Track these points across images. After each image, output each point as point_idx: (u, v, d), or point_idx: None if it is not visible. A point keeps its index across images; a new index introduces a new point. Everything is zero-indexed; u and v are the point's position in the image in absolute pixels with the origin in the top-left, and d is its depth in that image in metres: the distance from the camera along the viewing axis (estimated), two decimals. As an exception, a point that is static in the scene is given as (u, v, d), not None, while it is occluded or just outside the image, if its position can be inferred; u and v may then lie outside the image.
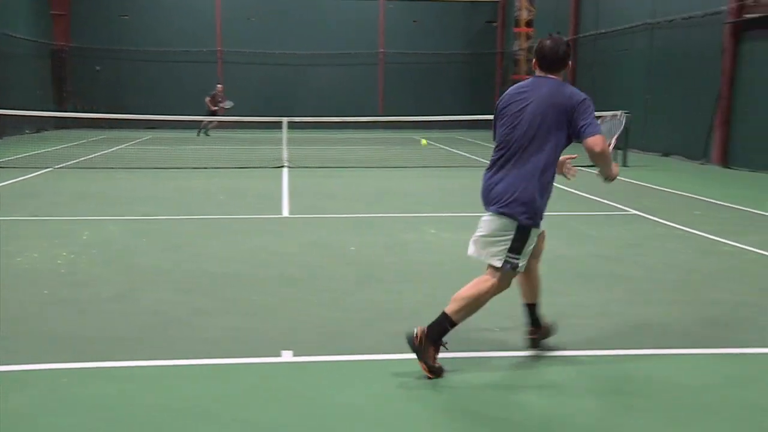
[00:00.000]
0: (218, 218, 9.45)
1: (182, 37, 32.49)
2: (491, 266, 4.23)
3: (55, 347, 4.55)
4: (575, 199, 11.32)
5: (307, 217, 9.57)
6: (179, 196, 11.41)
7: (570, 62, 4.32)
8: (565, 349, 4.59)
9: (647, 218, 9.54)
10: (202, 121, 25.51)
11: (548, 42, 4.26)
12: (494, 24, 34.71)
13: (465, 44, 34.75)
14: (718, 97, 16.73)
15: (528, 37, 32.08)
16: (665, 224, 9.07)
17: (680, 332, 4.95)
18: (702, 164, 17.07)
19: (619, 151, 16.59)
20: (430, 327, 4.11)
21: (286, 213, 9.93)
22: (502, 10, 34.34)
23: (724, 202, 10.98)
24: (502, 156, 4.24)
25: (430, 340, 4.08)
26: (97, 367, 4.25)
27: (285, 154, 16.30)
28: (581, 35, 25.13)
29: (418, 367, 4.15)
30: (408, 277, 6.44)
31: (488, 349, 4.61)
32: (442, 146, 22.97)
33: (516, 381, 4.16)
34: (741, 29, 16.30)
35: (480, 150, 21.48)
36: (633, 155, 17.30)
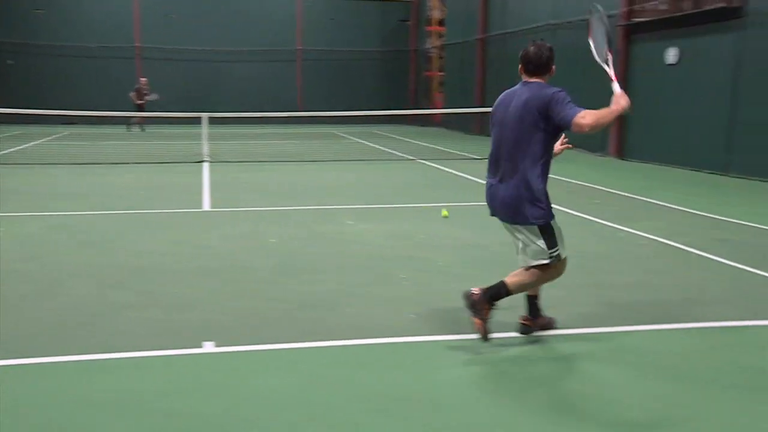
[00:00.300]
0: (138, 213, 9.21)
1: (99, 32, 31.39)
2: (541, 265, 4.35)
3: (-29, 345, 4.36)
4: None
5: (228, 211, 9.44)
6: (99, 191, 11.05)
7: (553, 66, 4.49)
8: (474, 333, 4.68)
9: (555, 208, 9.79)
10: (130, 117, 24.81)
11: (532, 48, 4.48)
12: (408, 22, 34.93)
13: (380, 42, 34.85)
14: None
15: (440, 35, 32.43)
16: (567, 212, 9.35)
17: (581, 313, 5.12)
18: (600, 156, 17.67)
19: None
20: (487, 288, 4.32)
21: (206, 207, 9.76)
22: (415, 9, 34.58)
23: (619, 191, 11.41)
24: (495, 162, 4.44)
25: (486, 297, 4.28)
26: (15, 364, 4.09)
27: (205, 149, 16.00)
28: (489, 34, 25.58)
29: (338, 356, 4.17)
30: (327, 267, 6.44)
31: (401, 334, 4.66)
32: (358, 140, 23.00)
33: (434, 367, 4.21)
34: (631, 32, 16.94)
35: (395, 143, 21.63)
36: (538, 148, 17.72)
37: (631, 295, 5.59)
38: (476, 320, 4.29)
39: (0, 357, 4.17)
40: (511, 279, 4.38)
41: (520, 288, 4.39)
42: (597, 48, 4.68)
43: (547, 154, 4.32)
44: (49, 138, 22.12)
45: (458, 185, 12.22)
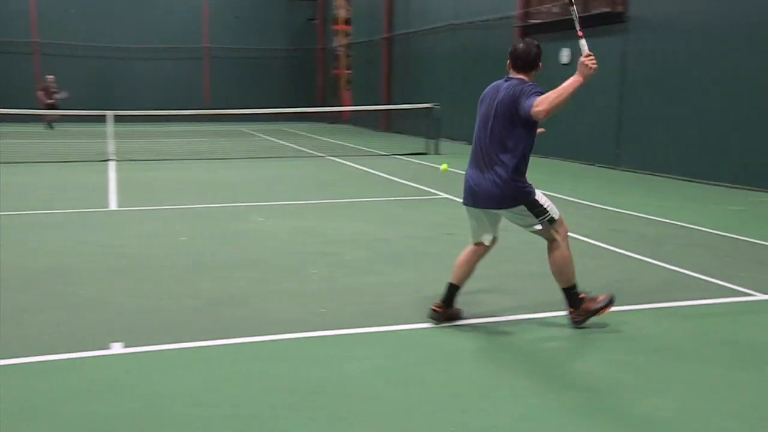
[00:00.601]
0: (41, 213, 8.81)
1: (-5, 27, 29.77)
2: (540, 230, 4.55)
3: None
4: (393, 185, 11.65)
5: (136, 210, 9.16)
6: (-2, 191, 10.51)
7: (540, 64, 4.54)
8: (385, 324, 4.73)
9: (457, 201, 9.99)
10: (45, 115, 23.69)
11: (521, 45, 4.54)
12: (315, 21, 34.75)
13: (288, 40, 34.54)
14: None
15: (346, 34, 32.43)
16: (471, 206, 9.54)
17: (483, 302, 5.24)
18: (502, 151, 18.07)
19: (432, 141, 17.28)
20: (573, 306, 4.60)
21: (113, 206, 9.44)
22: (322, 8, 34.45)
23: (520, 184, 11.72)
24: (476, 153, 4.54)
25: (577, 306, 4.58)
26: None
27: (111, 148, 15.45)
28: (394, 34, 25.78)
29: (250, 352, 4.13)
30: (239, 263, 6.35)
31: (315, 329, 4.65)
32: (268, 137, 22.75)
33: (343, 359, 4.22)
34: (527, 33, 17.44)
35: (304, 141, 21.51)
36: (444, 144, 18.03)
37: (535, 284, 5.77)
38: (605, 312, 4.60)
39: None
40: (560, 281, 4.61)
41: (567, 275, 4.58)
42: None
43: (524, 147, 4.42)
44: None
45: (367, 181, 12.28)
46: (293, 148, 19.01)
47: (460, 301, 4.80)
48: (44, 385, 3.72)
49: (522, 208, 4.48)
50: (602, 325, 4.67)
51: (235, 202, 9.76)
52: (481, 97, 4.67)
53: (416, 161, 15.56)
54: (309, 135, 23.90)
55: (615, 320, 4.76)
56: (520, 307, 5.09)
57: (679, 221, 8.49)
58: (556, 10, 16.95)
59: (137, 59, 31.85)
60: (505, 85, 4.48)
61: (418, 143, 18.60)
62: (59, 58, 30.59)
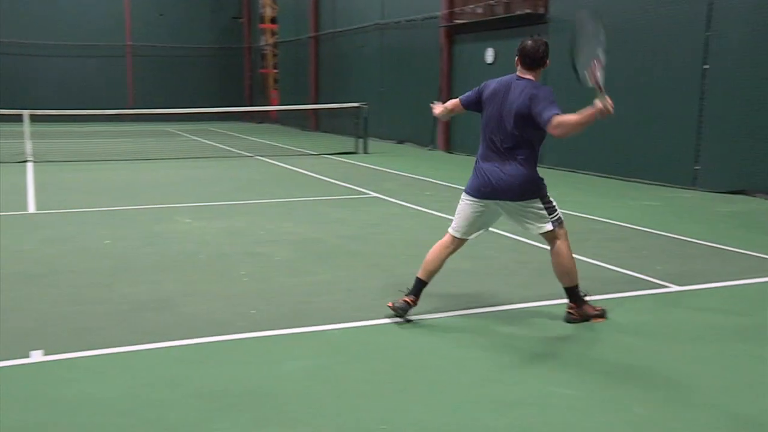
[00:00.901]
0: (-47, 218, 8.38)
1: None
2: (547, 232, 4.61)
3: None
4: (322, 185, 11.59)
5: (56, 213, 8.82)
6: None
7: (548, 61, 4.57)
8: (317, 324, 4.69)
9: (386, 200, 10.03)
10: None
11: (529, 42, 4.54)
12: (241, 20, 34.29)
13: (214, 38, 33.98)
14: (439, 91, 17.99)
15: (273, 33, 32.12)
16: (401, 204, 9.60)
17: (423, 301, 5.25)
18: (430, 150, 18.29)
19: (360, 140, 17.29)
20: (574, 301, 4.71)
21: (32, 209, 9.06)
22: (247, 7, 34.02)
23: (449, 183, 11.86)
24: (490, 148, 4.58)
25: (580, 305, 4.71)
26: None
27: (29, 148, 14.85)
28: (321, 33, 25.67)
29: (177, 355, 4.03)
30: (165, 266, 6.19)
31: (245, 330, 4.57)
32: (194, 137, 22.31)
33: (273, 360, 4.16)
34: (453, 32, 17.66)
35: (232, 141, 21.19)
36: (372, 143, 18.07)
37: (461, 280, 5.82)
38: (600, 319, 4.74)
39: None
40: (563, 282, 4.69)
41: (571, 276, 4.67)
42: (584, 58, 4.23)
43: (538, 142, 4.55)
44: None
45: (296, 181, 12.18)
46: (221, 148, 18.69)
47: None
48: (-43, 398, 3.52)
49: (537, 202, 4.57)
50: (531, 319, 4.76)
51: (161, 204, 9.52)
52: (488, 90, 4.63)
53: (345, 160, 15.54)
54: (237, 135, 23.56)
55: (542, 311, 4.86)
56: (454, 305, 5.13)
57: (599, 217, 8.74)
58: (480, 10, 17.22)
59: (55, 56, 30.73)
60: (519, 86, 4.50)
61: (346, 142, 18.58)
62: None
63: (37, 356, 4.05)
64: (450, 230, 4.81)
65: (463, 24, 17.26)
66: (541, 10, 14.47)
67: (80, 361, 4.03)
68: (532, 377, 3.84)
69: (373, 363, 4.04)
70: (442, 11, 17.71)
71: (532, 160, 4.55)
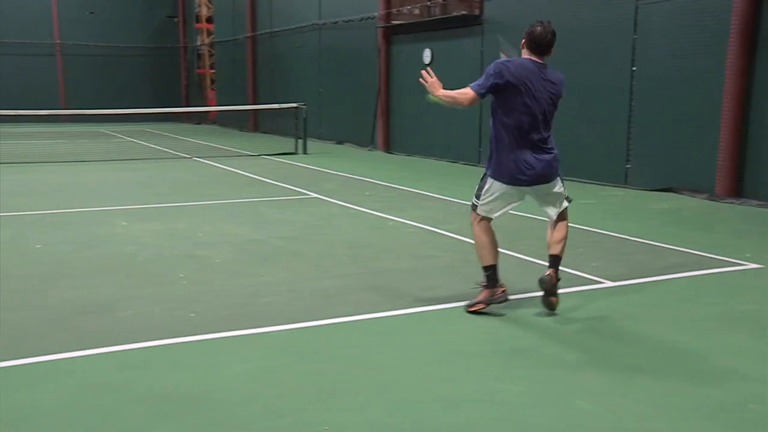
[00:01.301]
0: None
1: None
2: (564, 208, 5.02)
3: None
4: (262, 186, 11.50)
5: (-16, 217, 8.49)
6: None
7: (552, 49, 4.74)
8: (259, 326, 4.65)
9: (326, 200, 10.01)
10: None
11: (538, 28, 4.67)
12: (175, 19, 33.67)
13: (147, 38, 33.27)
14: (378, 91, 18.06)
15: (209, 33, 31.66)
16: (341, 205, 9.59)
17: (359, 301, 5.27)
18: (370, 150, 18.33)
19: (300, 141, 17.20)
20: (554, 268, 4.90)
21: (-42, 213, 8.71)
22: (182, 5, 33.43)
23: (388, 183, 11.92)
24: (520, 136, 4.70)
25: (556, 275, 4.92)
26: None
27: (-47, 150, 14.26)
28: (258, 33, 25.43)
29: (115, 361, 3.94)
30: (102, 270, 6.03)
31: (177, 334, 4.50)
32: (130, 138, 21.81)
33: (215, 364, 4.11)
34: (391, 33, 17.76)
35: (169, 142, 20.80)
36: (311, 143, 18.00)
37: (403, 279, 5.87)
38: (555, 299, 4.89)
39: None
40: (557, 245, 4.96)
41: (564, 247, 5.01)
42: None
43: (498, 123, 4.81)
44: None
45: (236, 182, 12.05)
46: (158, 149, 18.33)
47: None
48: None
49: (559, 180, 4.91)
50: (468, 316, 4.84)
51: (96, 206, 9.28)
52: (521, 76, 4.62)
53: (285, 161, 15.45)
54: (174, 136, 23.13)
55: (485, 309, 4.94)
56: (398, 304, 5.16)
57: (535, 215, 8.92)
58: (417, 11, 17.36)
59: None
60: (547, 71, 4.72)
61: (286, 143, 18.47)
62: None
63: (-28, 365, 3.91)
64: (484, 213, 4.93)
65: (401, 25, 17.37)
66: (477, 12, 14.69)
67: (16, 369, 3.90)
68: (479, 374, 3.90)
69: (318, 364, 4.03)
70: (379, 12, 17.78)
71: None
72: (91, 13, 31.58)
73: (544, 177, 4.79)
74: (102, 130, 25.53)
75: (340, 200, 9.94)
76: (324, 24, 20.66)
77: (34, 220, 8.36)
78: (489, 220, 4.96)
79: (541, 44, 4.68)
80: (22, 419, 3.31)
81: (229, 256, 6.59)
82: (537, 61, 4.71)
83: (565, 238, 5.01)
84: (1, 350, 4.16)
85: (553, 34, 4.70)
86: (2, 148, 17.53)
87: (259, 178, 12.45)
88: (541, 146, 4.74)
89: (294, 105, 17.97)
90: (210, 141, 21.05)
